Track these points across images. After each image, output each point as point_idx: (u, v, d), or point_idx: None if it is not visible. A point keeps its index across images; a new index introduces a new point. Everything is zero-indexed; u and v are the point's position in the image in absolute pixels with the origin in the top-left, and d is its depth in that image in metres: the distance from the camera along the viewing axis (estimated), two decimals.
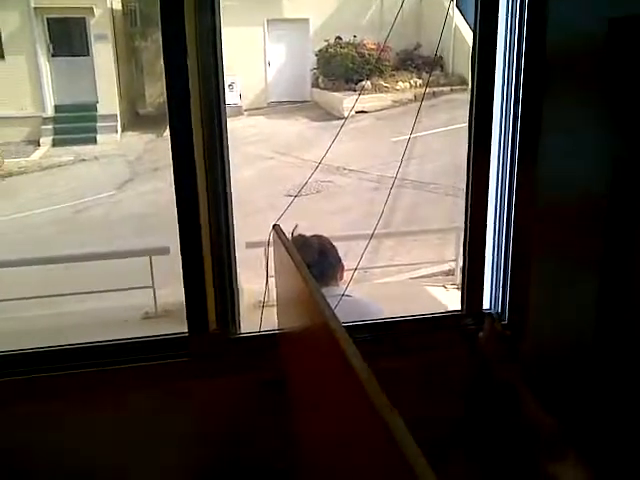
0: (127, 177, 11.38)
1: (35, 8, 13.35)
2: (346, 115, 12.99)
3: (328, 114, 13.77)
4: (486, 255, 1.87)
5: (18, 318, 4.93)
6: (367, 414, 0.94)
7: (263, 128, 13.42)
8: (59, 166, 11.93)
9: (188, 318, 1.68)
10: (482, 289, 1.80)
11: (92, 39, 13.94)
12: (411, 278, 6.01)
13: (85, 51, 14.11)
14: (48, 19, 13.77)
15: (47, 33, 13.86)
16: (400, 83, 14.23)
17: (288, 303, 1.71)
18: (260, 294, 4.70)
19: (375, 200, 9.33)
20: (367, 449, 1.00)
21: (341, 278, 2.38)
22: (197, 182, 1.63)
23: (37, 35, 13.66)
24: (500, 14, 1.68)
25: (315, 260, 2.32)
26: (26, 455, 1.67)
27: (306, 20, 14.94)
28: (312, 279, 1.44)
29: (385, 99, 13.68)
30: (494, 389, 1.80)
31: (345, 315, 2.12)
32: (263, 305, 1.96)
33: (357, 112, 13.16)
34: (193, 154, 1.61)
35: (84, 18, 13.86)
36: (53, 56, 13.95)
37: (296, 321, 1.60)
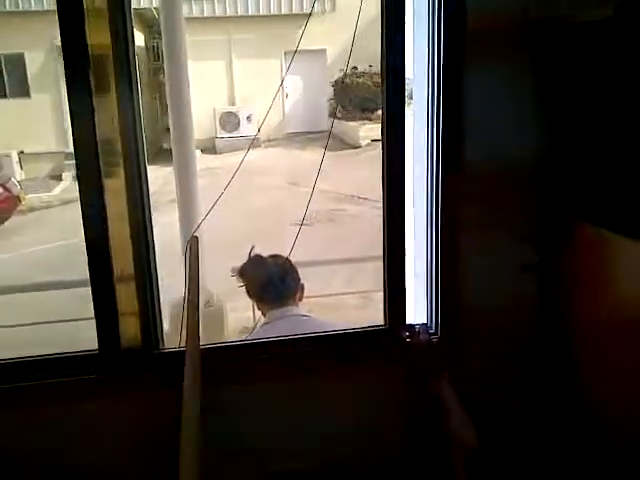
0: None
1: (58, 46, 13.79)
2: (362, 144, 13.06)
3: (345, 143, 13.81)
4: (414, 266, 1.85)
5: None
6: None
7: (279, 159, 13.53)
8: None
9: (98, 335, 1.67)
10: (404, 302, 1.75)
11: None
12: None
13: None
14: None
15: None
16: None
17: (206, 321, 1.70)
18: (246, 320, 4.69)
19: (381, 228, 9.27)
20: None
21: (300, 299, 2.35)
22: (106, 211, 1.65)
23: (60, 73, 14.10)
24: None
25: (271, 280, 2.31)
26: None
27: (323, 51, 15.12)
28: (194, 298, 1.44)
29: None
30: (423, 401, 1.75)
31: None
32: (182, 321, 1.93)
33: (372, 140, 13.20)
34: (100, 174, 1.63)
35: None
36: None
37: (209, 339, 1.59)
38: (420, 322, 1.82)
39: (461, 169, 1.68)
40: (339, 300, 6.44)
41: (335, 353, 1.76)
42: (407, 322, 1.79)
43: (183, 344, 1.83)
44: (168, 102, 3.64)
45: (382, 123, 1.68)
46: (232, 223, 8.23)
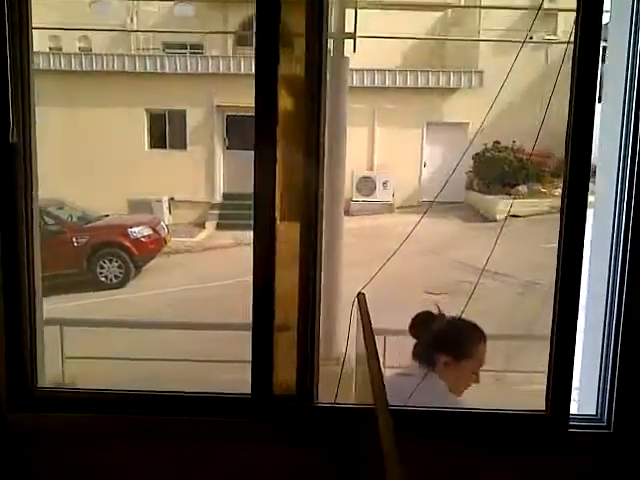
0: None
1: (218, 106, 14.94)
2: (498, 218, 12.79)
3: (480, 216, 13.63)
4: (589, 357, 1.76)
5: None
6: None
7: (412, 225, 13.52)
8: (219, 248, 12.85)
9: (252, 379, 1.73)
10: (570, 390, 1.66)
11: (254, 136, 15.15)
12: None
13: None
14: (228, 116, 15.29)
15: (225, 128, 15.38)
16: (559, 189, 13.76)
17: (359, 378, 1.71)
18: None
19: (519, 307, 8.93)
20: None
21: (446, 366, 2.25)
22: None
23: (216, 129, 15.20)
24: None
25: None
26: None
27: (466, 124, 15.17)
28: (375, 358, 1.44)
29: (541, 204, 13.30)
30: None
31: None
32: (340, 377, 1.95)
33: (511, 216, 12.90)
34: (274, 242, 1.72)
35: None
36: (227, 148, 15.38)
37: (362, 399, 1.60)
38: (587, 413, 1.71)
39: None
40: None
41: (480, 436, 1.70)
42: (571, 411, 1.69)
43: (338, 400, 1.86)
44: (325, 164, 3.79)
45: (562, 194, 1.65)
46: (369, 286, 8.27)
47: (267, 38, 1.65)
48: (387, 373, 2.16)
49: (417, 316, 2.15)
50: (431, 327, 2.10)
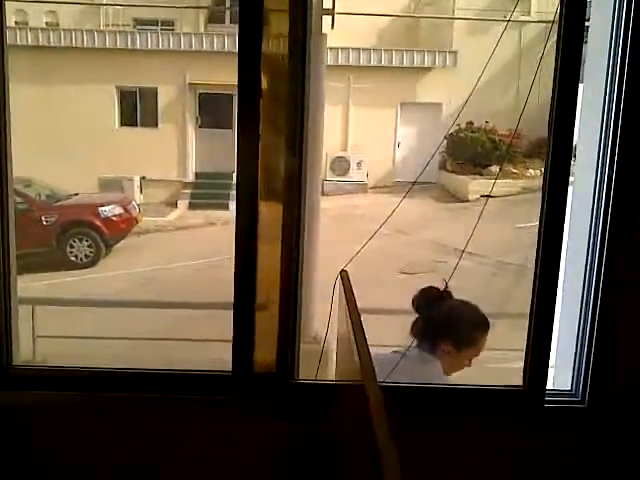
0: None
1: (190, 84, 14.72)
2: (470, 198, 12.91)
3: (453, 196, 13.75)
4: (567, 330, 1.79)
5: None
6: None
7: (386, 206, 13.58)
8: (191, 227, 12.77)
9: (233, 357, 1.73)
10: (547, 366, 1.70)
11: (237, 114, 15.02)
12: None
13: (229, 124, 15.20)
14: (200, 94, 15.10)
15: (197, 106, 15.19)
16: (531, 170, 13.95)
17: (342, 355, 1.71)
18: None
19: (491, 285, 9.05)
20: None
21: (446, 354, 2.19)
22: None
23: (188, 107, 15.00)
24: None
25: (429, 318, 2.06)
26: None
27: (439, 105, 15.22)
28: (361, 334, 1.44)
29: (513, 185, 13.44)
30: None
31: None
32: (322, 354, 1.96)
33: (482, 196, 13.02)
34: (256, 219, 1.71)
35: (232, 95, 15.02)
36: (200, 127, 15.20)
37: (346, 375, 1.60)
38: (562, 389, 1.75)
39: (633, 229, 1.62)
40: None
41: (459, 410, 1.72)
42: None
43: (319, 378, 1.87)
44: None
45: (544, 173, 1.65)
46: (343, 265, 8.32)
47: (250, 13, 1.62)
48: (382, 351, 2.09)
49: (422, 290, 2.06)
50: (435, 304, 2.02)
